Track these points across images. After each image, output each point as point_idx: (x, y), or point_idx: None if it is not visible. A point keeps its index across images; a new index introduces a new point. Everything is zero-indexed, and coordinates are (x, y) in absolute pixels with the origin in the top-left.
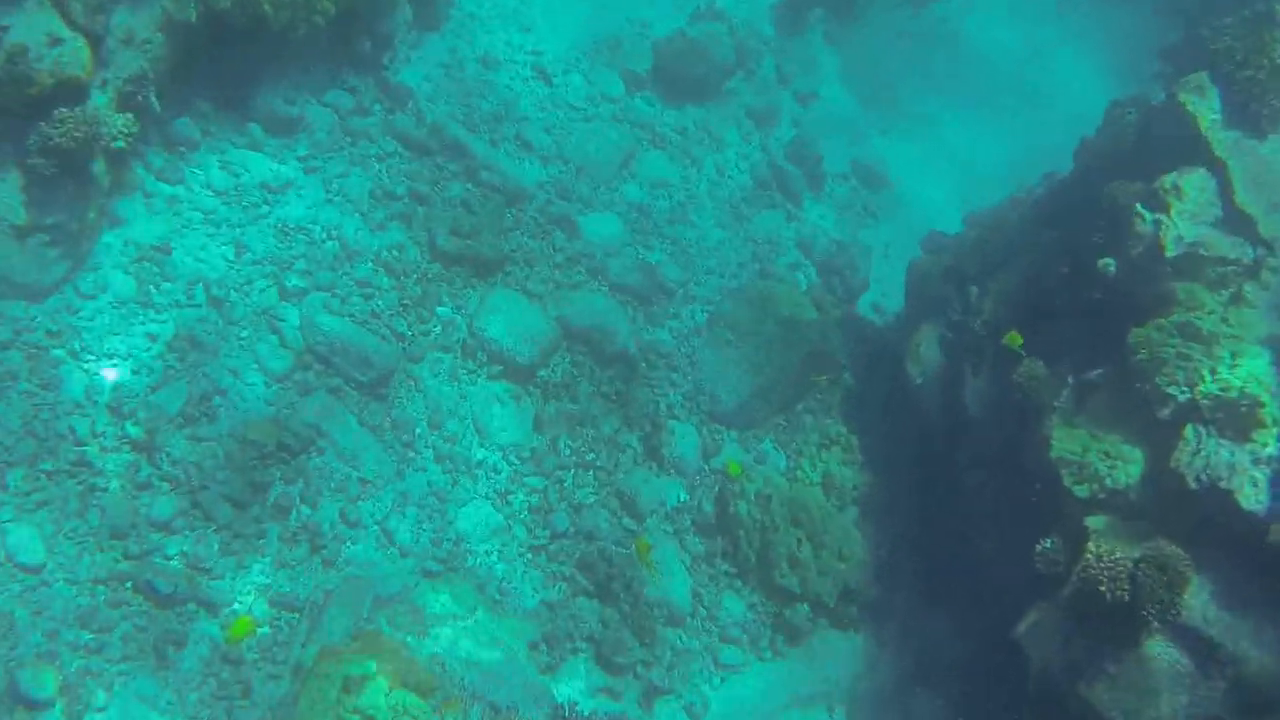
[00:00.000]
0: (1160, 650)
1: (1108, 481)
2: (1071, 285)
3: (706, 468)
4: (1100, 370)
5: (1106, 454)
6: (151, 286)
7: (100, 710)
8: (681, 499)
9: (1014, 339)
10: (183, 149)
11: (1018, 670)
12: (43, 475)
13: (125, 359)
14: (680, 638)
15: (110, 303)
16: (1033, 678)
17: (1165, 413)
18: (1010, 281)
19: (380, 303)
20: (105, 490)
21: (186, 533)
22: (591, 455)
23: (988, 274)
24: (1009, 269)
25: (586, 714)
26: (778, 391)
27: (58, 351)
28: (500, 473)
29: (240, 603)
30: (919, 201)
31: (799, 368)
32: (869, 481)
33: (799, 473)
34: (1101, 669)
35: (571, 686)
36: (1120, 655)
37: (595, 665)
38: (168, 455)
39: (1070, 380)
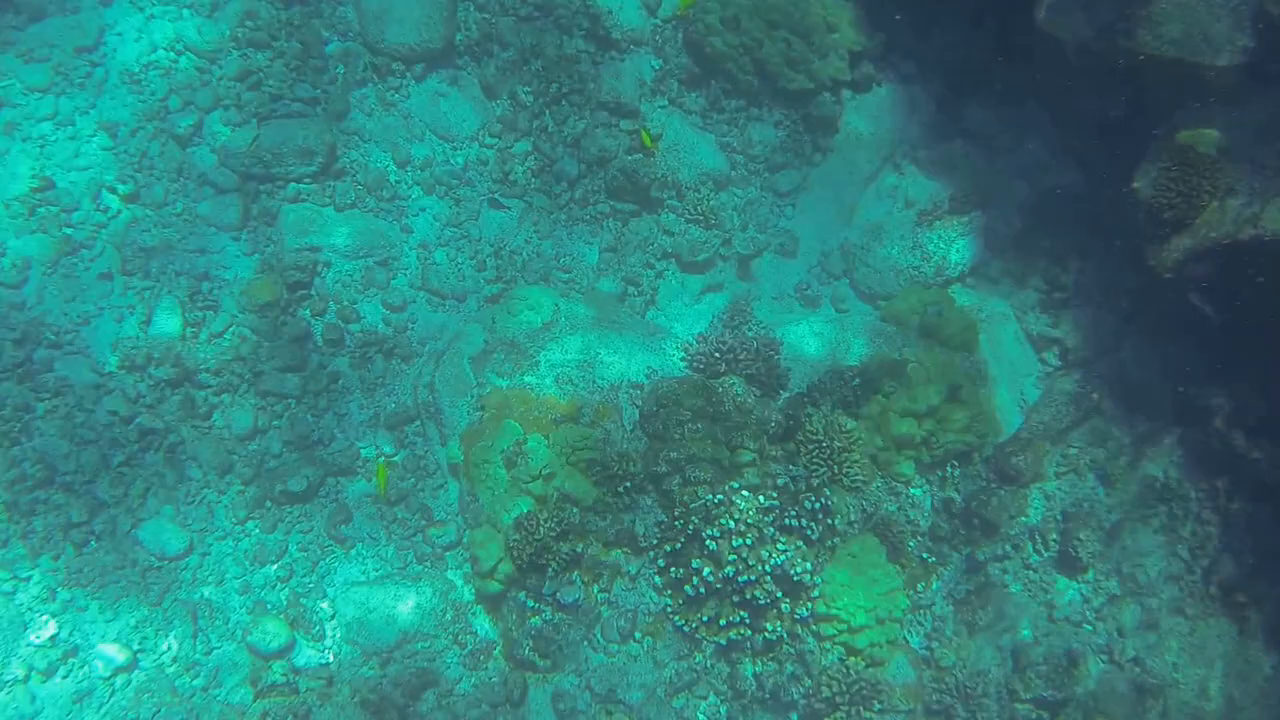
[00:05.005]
0: None
1: None
2: None
3: (660, 22)
4: None
5: None
6: (66, 229)
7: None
8: (655, 66)
9: None
10: None
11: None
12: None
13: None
14: (736, 195)
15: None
16: (1072, 55)
17: None
18: None
19: (271, 83)
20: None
21: (276, 427)
22: (555, 86)
23: None
24: None
25: (710, 333)
26: None
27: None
28: (488, 162)
29: (368, 448)
30: None
31: None
32: None
33: None
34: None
35: (678, 310)
36: None
37: (683, 274)
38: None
39: None
